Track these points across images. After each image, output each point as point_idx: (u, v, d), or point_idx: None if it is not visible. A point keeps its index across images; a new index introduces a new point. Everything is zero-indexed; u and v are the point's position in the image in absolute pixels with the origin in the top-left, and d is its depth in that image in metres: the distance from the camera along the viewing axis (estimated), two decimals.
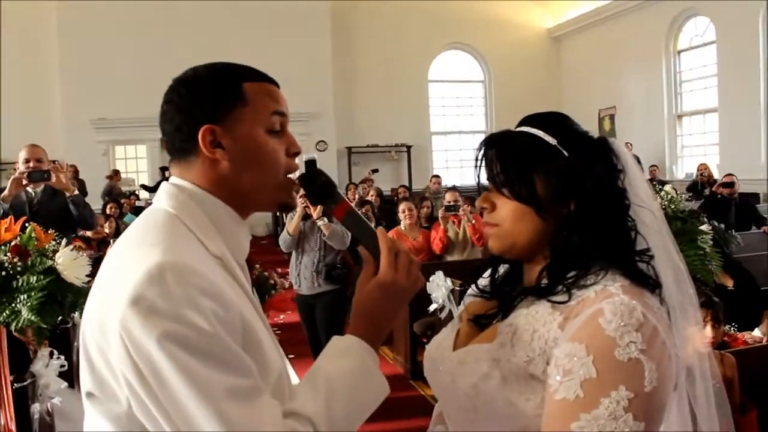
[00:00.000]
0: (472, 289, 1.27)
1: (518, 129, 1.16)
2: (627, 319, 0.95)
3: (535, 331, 1.03)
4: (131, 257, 0.92)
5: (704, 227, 2.59)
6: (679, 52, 13.57)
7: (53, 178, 4.29)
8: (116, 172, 13.12)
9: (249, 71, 1.07)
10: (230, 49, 12.80)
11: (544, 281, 1.09)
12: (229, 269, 0.98)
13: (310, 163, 1.14)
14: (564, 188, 1.08)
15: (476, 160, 1.16)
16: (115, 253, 0.99)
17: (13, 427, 2.43)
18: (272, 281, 2.83)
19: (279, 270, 4.46)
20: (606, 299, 0.98)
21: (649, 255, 1.08)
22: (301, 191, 1.14)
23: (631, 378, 0.93)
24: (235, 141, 1.02)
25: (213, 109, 1.01)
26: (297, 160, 1.10)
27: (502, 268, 1.24)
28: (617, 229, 1.08)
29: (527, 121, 1.16)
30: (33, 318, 1.85)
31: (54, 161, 4.53)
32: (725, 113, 12.13)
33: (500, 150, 1.13)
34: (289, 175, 1.08)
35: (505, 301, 1.15)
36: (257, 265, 2.86)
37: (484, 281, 1.26)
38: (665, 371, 0.95)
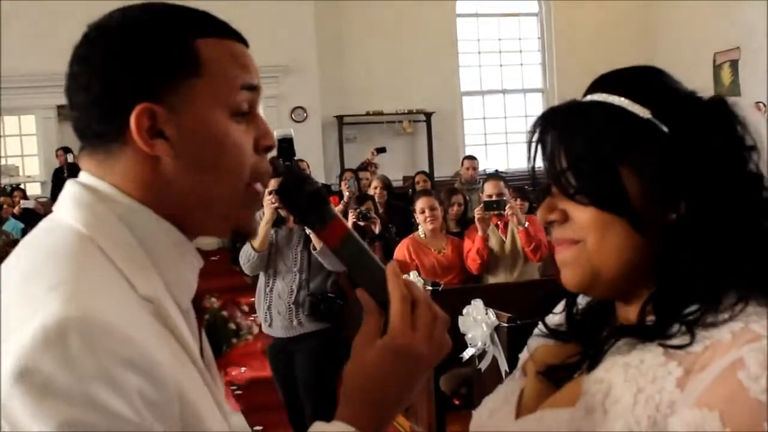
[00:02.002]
0: (539, 329, 1.27)
1: (590, 98, 1.15)
2: None
3: (640, 391, 1.02)
4: (18, 305, 0.89)
5: None
6: None
7: None
8: None
9: (206, 21, 1.05)
10: None
11: (650, 318, 1.08)
12: (165, 318, 0.96)
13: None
14: (669, 183, 1.06)
15: (528, 146, 1.16)
16: None
17: None
18: (233, 325, 2.77)
19: (243, 303, 4.45)
20: (750, 344, 0.97)
21: None
22: (270, 185, 1.15)
23: None
24: (182, 128, 1.00)
25: (152, 80, 0.99)
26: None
27: (583, 299, 1.24)
28: (755, 237, 1.06)
29: (602, 84, 1.16)
30: None
31: None
32: None
33: (565, 134, 1.12)
34: (256, 185, 1.07)
35: (591, 345, 1.14)
36: (212, 298, 2.82)
37: (556, 318, 1.26)
38: None
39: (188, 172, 1.01)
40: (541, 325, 1.27)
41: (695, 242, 1.06)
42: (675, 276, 1.07)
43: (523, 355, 1.30)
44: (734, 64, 15.01)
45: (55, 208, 1.04)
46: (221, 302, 2.86)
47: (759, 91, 12.86)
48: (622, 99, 1.10)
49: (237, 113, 1.03)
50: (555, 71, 16.64)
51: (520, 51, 16.98)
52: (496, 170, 12.65)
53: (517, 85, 16.94)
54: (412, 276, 5.39)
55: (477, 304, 4.52)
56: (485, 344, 4.45)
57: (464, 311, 4.52)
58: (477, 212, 6.11)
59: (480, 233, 6.03)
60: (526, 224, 5.99)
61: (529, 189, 7.07)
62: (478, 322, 4.47)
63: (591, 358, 1.11)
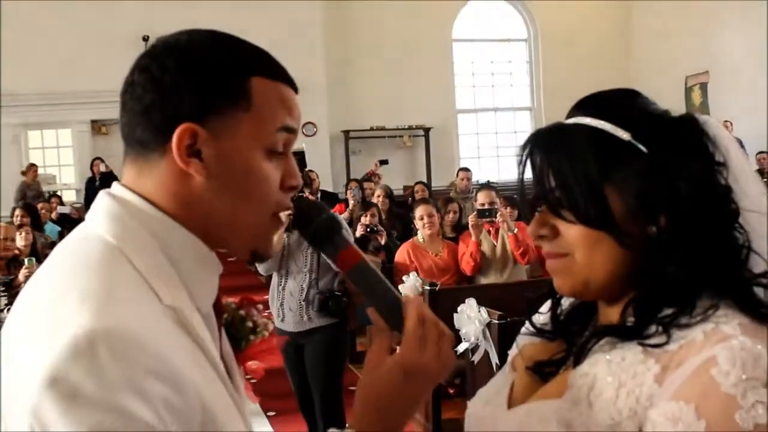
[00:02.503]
0: (526, 328, 1.27)
1: (574, 121, 1.13)
2: (751, 371, 0.93)
3: (621, 386, 1.01)
4: (50, 314, 0.86)
5: None
6: None
7: None
8: (32, 167, 13.10)
9: (265, 61, 1.03)
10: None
11: (630, 319, 1.07)
12: (188, 326, 0.94)
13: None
14: (649, 200, 1.05)
15: (519, 165, 1.14)
16: (27, 299, 0.94)
17: None
18: (251, 323, 2.72)
19: (257, 302, 4.46)
20: (720, 343, 0.97)
21: None
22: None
23: None
24: (218, 154, 0.97)
25: (203, 104, 0.96)
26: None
27: (567, 301, 1.23)
28: (725, 247, 1.06)
29: (584, 107, 1.14)
30: None
31: None
32: None
33: (553, 155, 1.10)
34: (280, 215, 1.05)
35: (575, 343, 1.14)
36: (231, 300, 2.78)
37: (542, 317, 1.25)
38: None
39: (216, 194, 0.98)
40: (528, 324, 1.26)
41: (673, 253, 1.05)
42: (654, 283, 1.06)
43: (512, 352, 1.29)
44: (704, 87, 15.00)
45: (88, 217, 1.01)
46: (239, 302, 2.81)
47: (725, 111, 12.86)
48: (604, 122, 1.09)
49: (272, 151, 1.01)
50: (542, 91, 16.59)
51: (510, 73, 16.93)
52: (488, 181, 12.59)
53: (508, 104, 16.90)
54: (412, 277, 5.39)
55: (470, 303, 4.51)
56: (478, 339, 4.43)
57: (459, 309, 4.50)
58: (471, 219, 6.15)
59: (473, 238, 6.06)
60: (515, 230, 6.01)
61: (518, 199, 7.07)
62: (471, 319, 4.45)
63: (576, 355, 1.11)
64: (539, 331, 1.24)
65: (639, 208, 1.06)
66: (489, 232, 6.14)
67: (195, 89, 0.96)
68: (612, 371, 1.03)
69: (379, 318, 1.11)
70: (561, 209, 1.09)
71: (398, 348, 1.09)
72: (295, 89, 1.06)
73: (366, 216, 6.56)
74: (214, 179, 0.98)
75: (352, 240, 1.15)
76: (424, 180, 13.53)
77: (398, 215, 8.82)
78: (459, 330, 4.49)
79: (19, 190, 12.58)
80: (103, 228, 0.97)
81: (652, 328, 1.03)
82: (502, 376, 1.25)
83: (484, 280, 6.05)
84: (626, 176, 1.06)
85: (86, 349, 0.81)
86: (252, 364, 2.58)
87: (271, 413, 5.74)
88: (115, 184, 1.02)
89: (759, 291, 1.07)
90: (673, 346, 1.01)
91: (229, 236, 1.02)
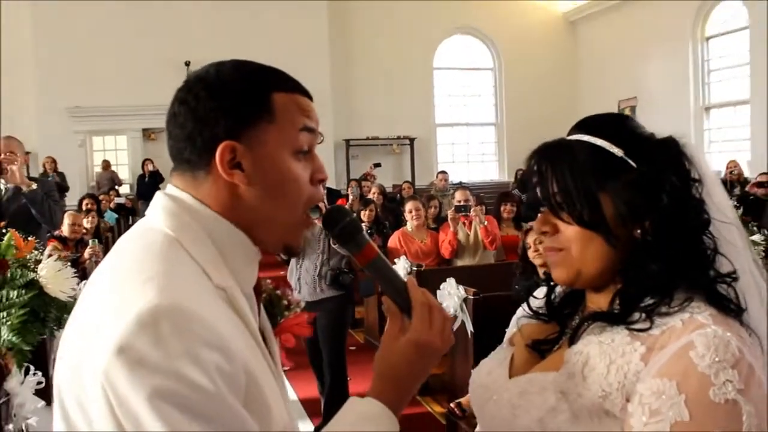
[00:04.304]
0: (524, 311, 1.23)
1: (575, 138, 1.09)
2: (722, 355, 0.91)
3: (611, 363, 0.98)
4: (119, 292, 0.84)
5: (756, 237, 2.53)
6: (708, 39, 13.55)
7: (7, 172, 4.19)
8: (106, 163, 13.54)
9: (280, 78, 0.99)
10: (215, 31, 12.92)
11: (617, 307, 1.04)
12: (234, 303, 0.91)
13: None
14: (636, 207, 1.02)
15: (526, 173, 1.11)
16: (99, 280, 0.91)
17: None
18: (286, 301, 2.72)
19: (278, 278, 4.42)
20: (697, 330, 0.94)
21: (733, 277, 1.02)
22: None
23: (728, 422, 0.88)
24: (255, 163, 0.94)
25: (236, 123, 0.93)
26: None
27: (560, 288, 1.19)
28: (697, 249, 1.03)
29: (584, 126, 1.10)
30: (14, 339, 1.73)
31: (10, 152, 4.38)
32: (758, 105, 12.10)
33: (557, 165, 1.06)
34: (312, 215, 1.02)
35: (567, 325, 1.11)
36: (268, 280, 2.76)
37: (537, 302, 1.21)
38: (763, 414, 0.90)
39: (258, 197, 0.95)
40: (526, 308, 1.23)
41: (655, 252, 1.02)
42: (638, 276, 1.03)
43: (510, 330, 1.26)
44: (633, 110, 15.00)
45: (148, 213, 0.98)
46: (274, 283, 2.80)
47: (650, 130, 12.85)
48: (601, 140, 1.06)
49: (299, 152, 0.97)
50: (504, 110, 16.59)
51: (480, 95, 16.91)
52: (461, 182, 12.62)
53: (477, 120, 16.87)
54: (402, 260, 5.36)
55: (450, 282, 4.49)
56: (456, 311, 4.41)
57: (441, 287, 4.48)
58: (450, 213, 6.15)
59: (451, 229, 6.04)
60: (486, 223, 6.00)
61: (484, 196, 7.07)
62: (451, 294, 4.43)
63: (571, 336, 1.07)
64: (536, 314, 1.20)
65: (627, 214, 1.03)
66: (464, 224, 6.10)
67: (227, 112, 0.93)
68: (603, 351, 1.00)
69: (392, 303, 1.07)
70: (561, 211, 1.05)
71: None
72: (310, 97, 1.02)
73: (365, 211, 6.50)
74: (254, 185, 0.94)
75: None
76: (409, 179, 13.51)
77: (390, 209, 8.80)
78: (441, 303, 4.46)
79: (97, 181, 13.16)
80: (162, 222, 0.94)
81: (636, 315, 1.01)
82: (502, 351, 1.21)
83: (459, 263, 6.01)
84: (618, 186, 1.03)
85: (150, 322, 0.78)
86: (285, 335, 2.54)
87: (286, 368, 5.69)
88: (169, 186, 0.99)
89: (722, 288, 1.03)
90: (656, 331, 0.98)
91: (266, 233, 0.98)
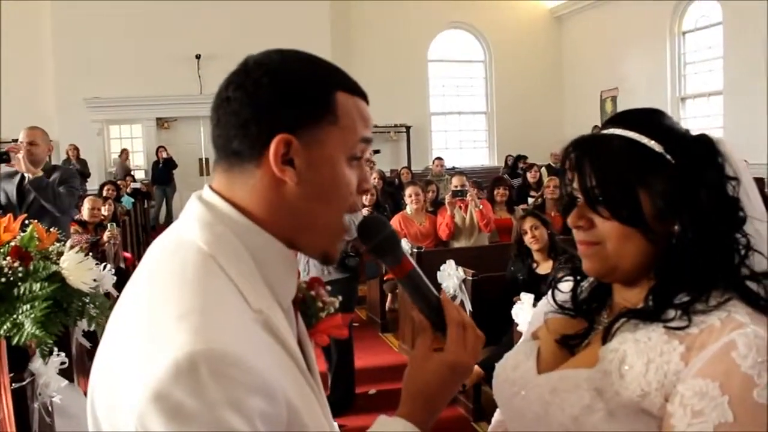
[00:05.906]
0: (549, 304, 1.13)
1: (612, 132, 1.00)
2: (764, 354, 0.84)
3: (650, 361, 0.90)
4: (152, 328, 0.72)
5: None
6: (684, 33, 13.39)
7: (13, 160, 4.16)
8: (125, 151, 13.36)
9: (344, 78, 0.87)
10: (224, 26, 12.75)
11: (650, 303, 0.96)
12: (271, 327, 0.78)
13: None
14: (675, 203, 0.93)
15: (563, 165, 1.01)
16: (136, 295, 0.79)
17: (11, 428, 2.30)
18: (320, 303, 2.59)
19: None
20: (737, 329, 0.87)
21: None
22: None
23: None
24: (310, 162, 0.82)
25: (298, 117, 0.81)
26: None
27: (586, 282, 1.10)
28: (734, 248, 0.94)
29: (620, 121, 1.01)
30: (37, 332, 1.62)
31: (16, 140, 4.40)
32: (730, 96, 11.99)
33: (595, 159, 0.97)
34: (351, 222, 0.91)
35: (594, 320, 1.03)
36: (303, 283, 2.64)
37: (562, 296, 1.12)
38: None
39: (305, 199, 0.83)
40: (552, 301, 1.12)
41: (693, 248, 0.93)
42: (674, 273, 0.94)
43: (533, 324, 1.16)
44: (614, 100, 14.85)
45: (181, 221, 0.85)
46: (308, 284, 2.65)
47: None
48: (640, 135, 0.97)
49: (353, 158, 0.86)
50: (494, 100, 16.43)
51: (471, 86, 16.71)
52: (453, 166, 12.52)
53: (469, 109, 16.69)
54: (403, 242, 5.27)
55: (450, 263, 4.46)
56: (455, 291, 4.35)
57: (441, 268, 4.43)
58: (447, 198, 6.08)
59: (448, 212, 5.97)
60: (481, 207, 5.95)
61: (480, 181, 6.96)
62: (451, 275, 4.39)
63: (604, 333, 0.98)
64: (561, 308, 1.11)
65: (665, 209, 0.94)
66: (460, 207, 6.03)
67: (289, 104, 0.81)
68: (640, 349, 0.92)
69: (423, 318, 0.97)
70: (598, 205, 0.96)
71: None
72: (367, 101, 0.90)
73: (367, 196, 6.41)
74: (303, 185, 0.82)
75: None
76: (406, 165, 13.43)
77: (389, 193, 8.69)
78: (441, 284, 4.39)
79: (116, 168, 13.05)
80: (197, 235, 0.81)
81: (671, 312, 0.92)
82: (526, 344, 1.12)
83: (456, 245, 5.95)
84: (657, 181, 0.94)
85: (188, 369, 0.67)
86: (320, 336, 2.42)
87: None
88: (206, 189, 0.86)
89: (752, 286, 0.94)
90: (694, 329, 0.90)
91: (308, 238, 0.86)
